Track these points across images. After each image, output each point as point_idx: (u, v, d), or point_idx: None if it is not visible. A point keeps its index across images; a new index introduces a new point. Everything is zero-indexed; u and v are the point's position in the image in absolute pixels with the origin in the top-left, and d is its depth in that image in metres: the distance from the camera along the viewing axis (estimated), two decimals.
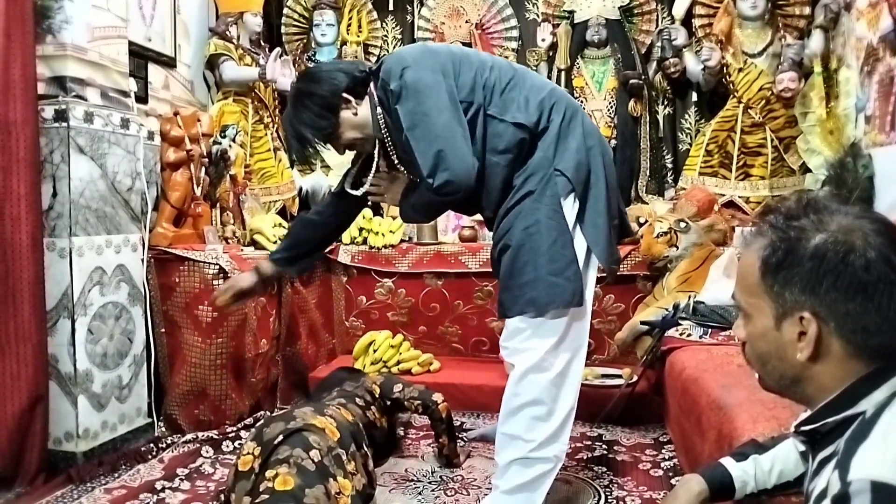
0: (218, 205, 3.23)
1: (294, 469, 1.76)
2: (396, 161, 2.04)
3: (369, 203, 2.30)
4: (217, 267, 2.83)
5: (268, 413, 3.07)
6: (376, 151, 2.04)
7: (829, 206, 0.97)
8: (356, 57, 4.17)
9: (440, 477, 2.40)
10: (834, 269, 0.91)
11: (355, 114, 1.97)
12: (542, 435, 1.85)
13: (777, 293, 0.96)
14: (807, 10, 3.71)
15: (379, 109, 1.97)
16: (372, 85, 1.98)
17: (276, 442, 1.83)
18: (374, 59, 4.42)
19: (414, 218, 2.15)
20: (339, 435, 1.96)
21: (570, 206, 1.89)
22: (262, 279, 2.28)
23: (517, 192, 1.89)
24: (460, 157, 1.81)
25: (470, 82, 1.89)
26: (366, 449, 2.08)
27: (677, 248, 3.23)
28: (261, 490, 1.75)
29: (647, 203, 3.86)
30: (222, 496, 2.01)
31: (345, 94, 1.95)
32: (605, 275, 2.35)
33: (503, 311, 1.93)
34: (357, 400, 2.36)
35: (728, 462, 1.27)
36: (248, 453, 1.85)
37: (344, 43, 4.22)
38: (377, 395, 2.49)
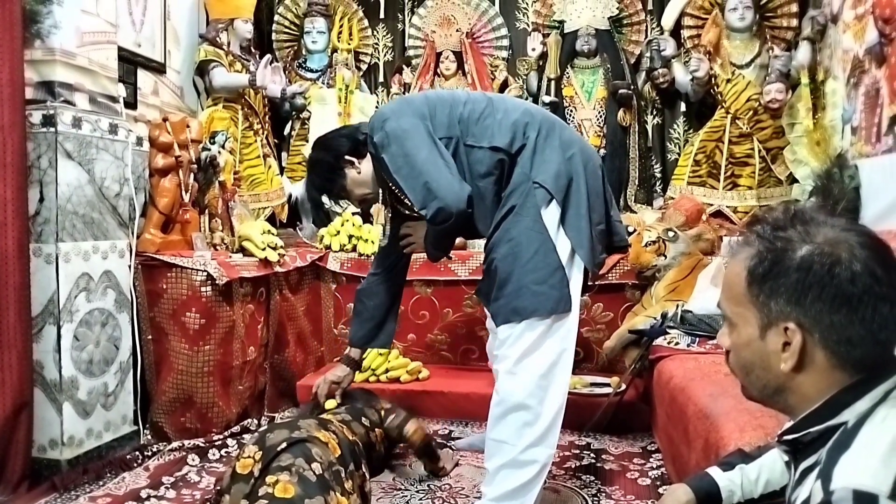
0: (206, 211, 3.21)
1: (295, 478, 1.75)
2: (410, 202, 2.13)
3: (407, 251, 2.41)
4: (205, 274, 2.81)
5: (255, 421, 3.06)
6: (381, 200, 2.26)
7: (815, 217, 0.97)
8: (347, 64, 4.18)
9: (428, 486, 2.39)
10: (819, 281, 0.92)
11: (359, 172, 2.18)
12: (529, 439, 1.89)
13: (762, 303, 0.97)
14: (794, 22, 3.75)
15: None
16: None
17: (279, 449, 1.82)
18: (364, 66, 4.43)
19: (436, 255, 2.26)
20: (340, 452, 1.94)
21: (550, 214, 1.97)
22: (354, 367, 2.54)
23: (502, 209, 2.01)
24: (446, 184, 1.93)
25: (446, 120, 2.04)
26: (363, 470, 2.06)
27: (665, 257, 3.24)
28: (260, 494, 1.73)
29: (636, 212, 3.87)
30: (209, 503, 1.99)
31: (347, 157, 2.16)
32: (590, 283, 2.41)
33: (495, 321, 2.01)
34: (363, 419, 2.34)
35: (715, 472, 1.28)
36: (249, 457, 1.83)
37: (335, 50, 4.22)
38: (375, 421, 2.45)
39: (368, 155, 2.17)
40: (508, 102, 2.15)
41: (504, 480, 1.90)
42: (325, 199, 2.33)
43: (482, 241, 3.64)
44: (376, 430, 2.39)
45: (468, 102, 2.08)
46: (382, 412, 2.48)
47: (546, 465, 1.94)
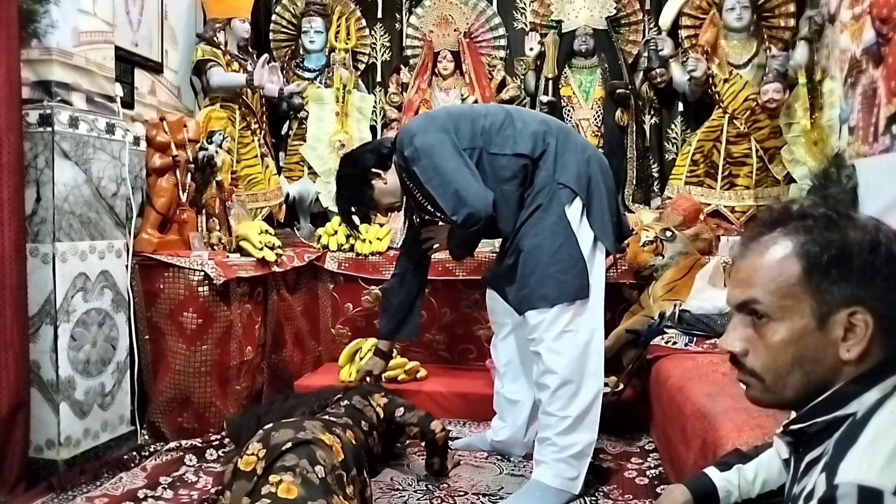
0: (204, 211, 3.21)
1: (299, 479, 1.73)
2: (432, 209, 2.39)
3: (428, 253, 2.67)
4: (202, 273, 2.81)
5: None
6: (407, 206, 2.50)
7: (845, 208, 0.99)
8: (345, 64, 4.17)
9: (426, 486, 2.39)
10: (888, 261, 0.92)
11: (385, 182, 2.41)
12: (576, 410, 2.19)
13: (824, 290, 0.93)
14: (791, 22, 3.75)
15: (404, 175, 2.36)
16: (395, 155, 2.38)
17: (283, 448, 1.81)
18: (362, 65, 4.43)
19: (461, 255, 2.57)
20: (343, 456, 1.93)
21: (574, 210, 2.23)
22: (385, 358, 2.87)
23: (529, 208, 2.25)
24: (474, 191, 2.18)
25: (469, 132, 2.26)
26: (364, 475, 2.05)
27: (663, 256, 3.24)
28: (262, 493, 1.72)
29: (634, 212, 3.87)
30: None
31: (374, 169, 2.39)
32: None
33: (519, 309, 2.29)
34: (363, 423, 2.32)
35: (712, 472, 1.28)
36: (253, 454, 1.82)
37: (332, 50, 4.22)
38: (381, 418, 2.44)
39: (393, 166, 2.39)
40: (525, 113, 2.41)
41: (563, 449, 2.19)
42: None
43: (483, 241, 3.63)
44: (374, 433, 2.38)
45: (488, 115, 2.32)
46: (381, 407, 2.45)
47: (591, 443, 2.24)
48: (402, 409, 2.46)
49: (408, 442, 2.76)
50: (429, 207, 2.41)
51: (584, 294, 2.20)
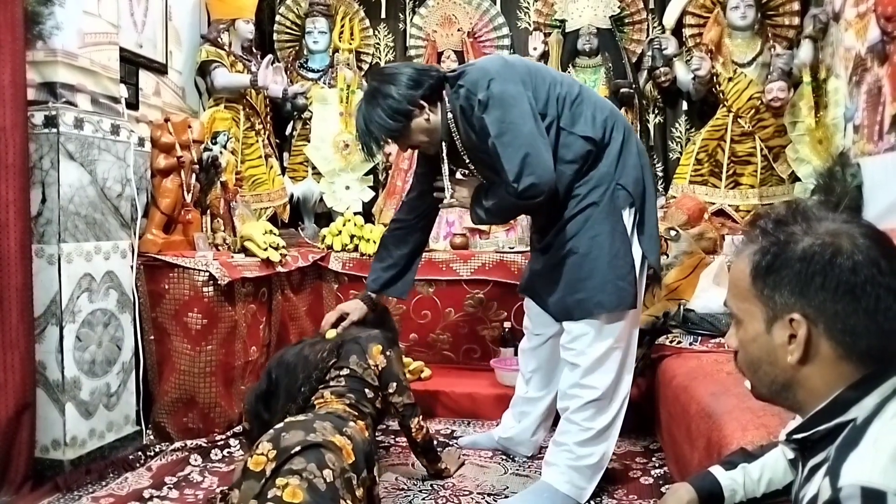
0: (208, 211, 3.21)
1: (305, 484, 1.73)
2: (468, 161, 2.17)
3: (441, 205, 2.39)
4: (207, 274, 2.81)
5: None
6: (444, 154, 2.16)
7: (816, 213, 0.99)
8: (348, 64, 4.18)
9: (431, 485, 2.39)
10: (822, 270, 0.93)
11: (427, 119, 2.10)
12: (601, 423, 2.13)
13: (767, 296, 0.98)
14: (796, 21, 3.75)
15: (450, 115, 2.10)
16: (447, 91, 2.10)
17: (292, 451, 1.81)
18: (366, 66, 4.43)
19: (484, 220, 2.25)
20: (353, 458, 1.92)
21: (629, 217, 2.11)
22: (368, 305, 2.47)
23: (582, 201, 2.08)
24: (544, 163, 1.96)
25: (544, 96, 2.05)
26: (374, 474, 2.05)
27: (667, 256, 3.23)
28: (269, 497, 1.71)
29: None
30: None
31: (421, 101, 2.07)
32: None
33: (568, 316, 2.13)
34: (367, 391, 2.26)
35: (717, 471, 1.28)
36: (262, 454, 1.81)
37: (336, 50, 4.23)
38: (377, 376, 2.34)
39: (439, 104, 2.10)
40: (595, 96, 2.20)
41: (580, 458, 2.15)
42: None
43: (483, 241, 3.62)
44: (378, 393, 2.31)
45: (564, 83, 2.11)
46: (377, 369, 2.31)
47: (607, 455, 2.20)
48: (394, 386, 2.31)
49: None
50: (465, 159, 2.17)
51: (634, 303, 2.11)
